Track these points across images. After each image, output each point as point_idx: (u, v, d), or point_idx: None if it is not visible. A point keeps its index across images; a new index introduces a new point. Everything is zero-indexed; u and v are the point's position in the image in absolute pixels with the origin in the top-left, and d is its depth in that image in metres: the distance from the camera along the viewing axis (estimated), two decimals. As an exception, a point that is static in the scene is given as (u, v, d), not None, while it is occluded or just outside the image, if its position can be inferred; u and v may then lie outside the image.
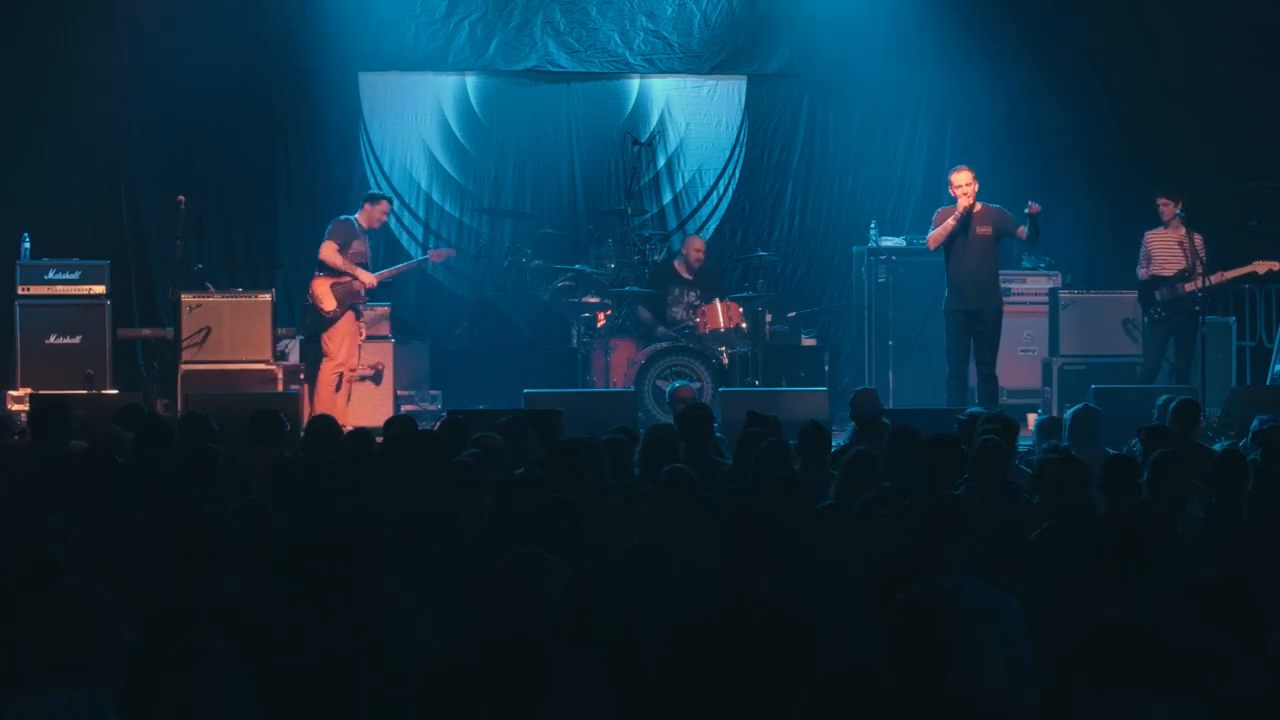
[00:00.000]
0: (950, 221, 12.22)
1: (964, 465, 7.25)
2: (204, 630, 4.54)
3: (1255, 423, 8.66)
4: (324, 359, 12.71)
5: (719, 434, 9.47)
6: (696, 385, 12.51)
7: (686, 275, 14.20)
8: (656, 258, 14.44)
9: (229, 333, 12.90)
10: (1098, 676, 3.59)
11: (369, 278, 12.78)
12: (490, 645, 3.95)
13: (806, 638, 4.93)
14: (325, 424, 8.64)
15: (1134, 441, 8.99)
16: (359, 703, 4.58)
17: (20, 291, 13.15)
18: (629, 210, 14.32)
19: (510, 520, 6.03)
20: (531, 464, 7.62)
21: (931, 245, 12.43)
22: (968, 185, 12.21)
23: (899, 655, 3.84)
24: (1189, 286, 12.69)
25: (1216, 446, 9.17)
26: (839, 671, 4.33)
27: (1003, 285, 12.93)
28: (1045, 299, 14.21)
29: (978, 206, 12.25)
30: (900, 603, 3.88)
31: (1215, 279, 12.66)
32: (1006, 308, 12.65)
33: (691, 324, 13.78)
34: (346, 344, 12.76)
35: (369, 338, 13.33)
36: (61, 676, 3.79)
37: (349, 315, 12.77)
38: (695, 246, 14.37)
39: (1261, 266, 12.72)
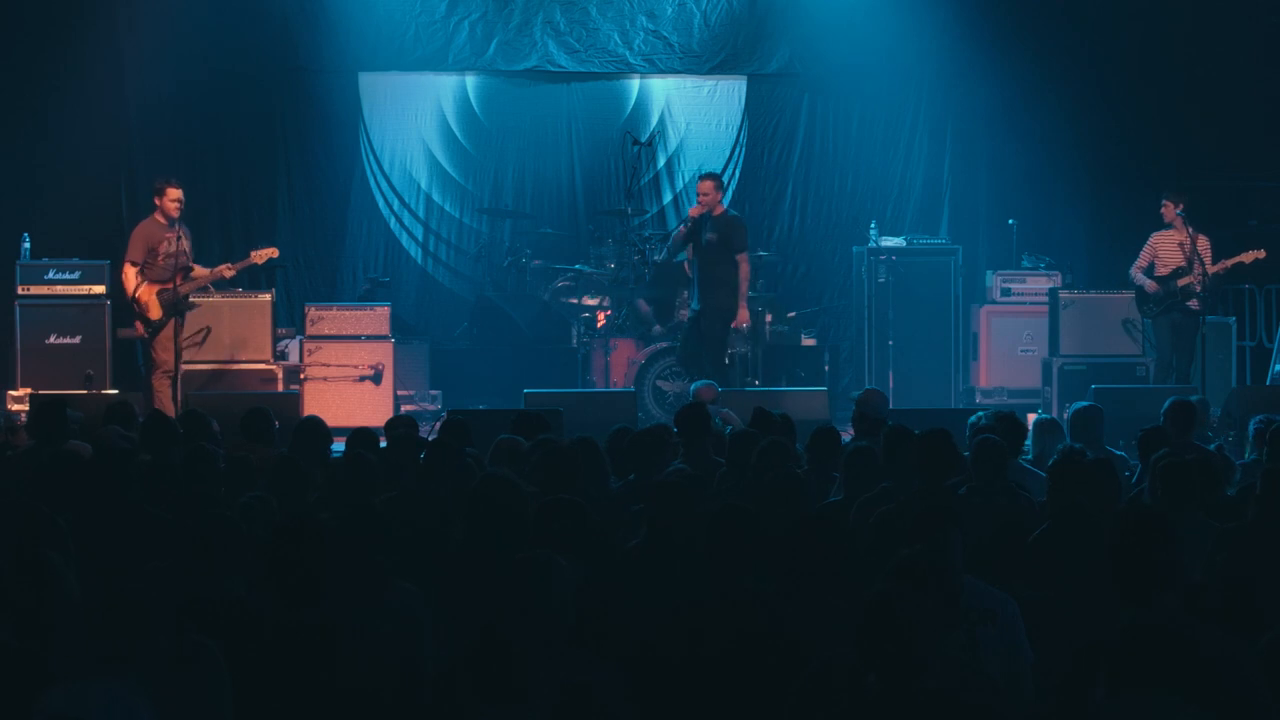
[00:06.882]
0: (680, 229, 12.84)
1: (959, 463, 7.24)
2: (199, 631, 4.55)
3: (1252, 424, 8.65)
4: (152, 368, 11.92)
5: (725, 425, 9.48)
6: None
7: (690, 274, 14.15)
8: (656, 258, 14.43)
9: (229, 333, 12.92)
10: (1123, 677, 3.58)
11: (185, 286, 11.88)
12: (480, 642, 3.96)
13: (786, 637, 4.94)
14: (314, 425, 8.65)
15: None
16: (359, 700, 4.58)
17: (20, 291, 13.13)
18: (629, 210, 14.32)
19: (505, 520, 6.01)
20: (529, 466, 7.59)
21: (671, 254, 13.17)
22: (703, 196, 12.53)
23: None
24: (1183, 281, 12.73)
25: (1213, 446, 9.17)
26: (819, 670, 4.35)
27: (1003, 285, 12.91)
28: (1045, 299, 14.20)
29: (718, 210, 12.49)
30: (873, 599, 3.89)
31: (1211, 270, 12.72)
32: (1006, 307, 12.65)
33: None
34: (169, 349, 11.86)
35: (368, 337, 13.30)
36: (103, 665, 3.80)
37: (173, 321, 11.89)
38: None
39: (1248, 256, 12.78)
